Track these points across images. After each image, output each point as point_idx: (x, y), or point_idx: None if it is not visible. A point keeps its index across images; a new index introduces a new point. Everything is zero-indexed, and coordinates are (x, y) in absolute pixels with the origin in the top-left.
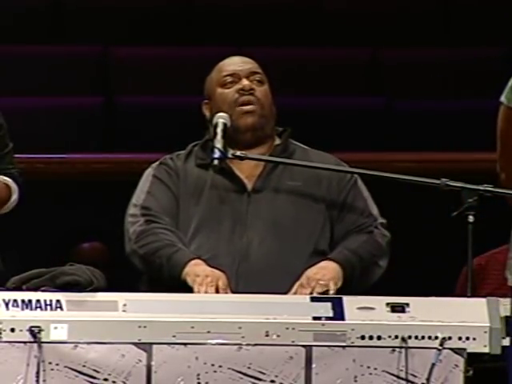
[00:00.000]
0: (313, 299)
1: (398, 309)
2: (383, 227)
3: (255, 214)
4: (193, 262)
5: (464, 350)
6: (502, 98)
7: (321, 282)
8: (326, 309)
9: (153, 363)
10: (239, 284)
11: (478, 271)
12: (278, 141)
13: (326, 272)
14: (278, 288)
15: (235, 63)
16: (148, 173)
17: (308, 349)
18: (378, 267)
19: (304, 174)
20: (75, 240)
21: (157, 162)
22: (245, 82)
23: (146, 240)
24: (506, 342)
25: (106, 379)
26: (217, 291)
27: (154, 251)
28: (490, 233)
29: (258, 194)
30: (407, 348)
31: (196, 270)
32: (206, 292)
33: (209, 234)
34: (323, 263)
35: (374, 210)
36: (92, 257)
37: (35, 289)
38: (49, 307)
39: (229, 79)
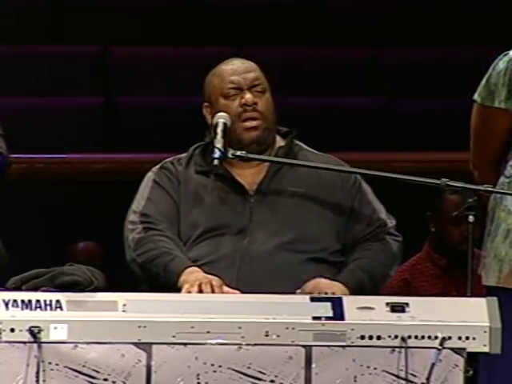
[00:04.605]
0: (313, 299)
1: (397, 309)
2: (394, 230)
3: (257, 219)
4: (188, 270)
5: (464, 349)
6: (476, 97)
7: None
8: (325, 309)
9: (153, 363)
10: (240, 288)
11: (405, 286)
12: (281, 142)
13: (337, 289)
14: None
15: (237, 72)
16: (148, 177)
17: (308, 349)
18: (388, 277)
19: (307, 178)
20: (74, 240)
21: (157, 166)
22: (247, 95)
23: (143, 248)
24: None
25: (105, 379)
26: (212, 291)
27: (151, 260)
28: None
29: (261, 200)
30: (407, 348)
31: (189, 278)
32: (199, 290)
33: (211, 239)
34: (335, 284)
35: (383, 213)
36: (85, 256)
37: (35, 289)
38: (49, 307)
39: (232, 91)
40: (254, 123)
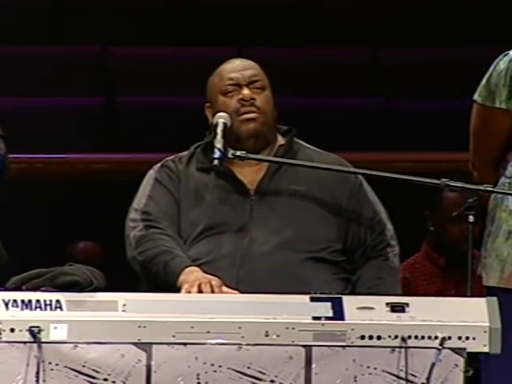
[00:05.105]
0: (312, 299)
1: (397, 308)
2: (393, 239)
3: (258, 218)
4: (187, 269)
5: (464, 349)
6: (476, 97)
7: None
8: (325, 309)
9: (152, 363)
10: (240, 288)
11: (405, 285)
12: (282, 141)
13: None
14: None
15: (236, 69)
16: (150, 175)
17: (308, 349)
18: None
19: (307, 177)
20: (74, 240)
21: (158, 165)
22: (245, 91)
23: (144, 246)
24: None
25: (105, 379)
26: (211, 291)
27: (151, 258)
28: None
29: (261, 199)
30: (407, 348)
31: (188, 278)
32: (199, 290)
33: (211, 237)
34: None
35: (383, 214)
36: (85, 256)
37: (35, 289)
38: (48, 307)
39: (230, 88)
40: (251, 115)
